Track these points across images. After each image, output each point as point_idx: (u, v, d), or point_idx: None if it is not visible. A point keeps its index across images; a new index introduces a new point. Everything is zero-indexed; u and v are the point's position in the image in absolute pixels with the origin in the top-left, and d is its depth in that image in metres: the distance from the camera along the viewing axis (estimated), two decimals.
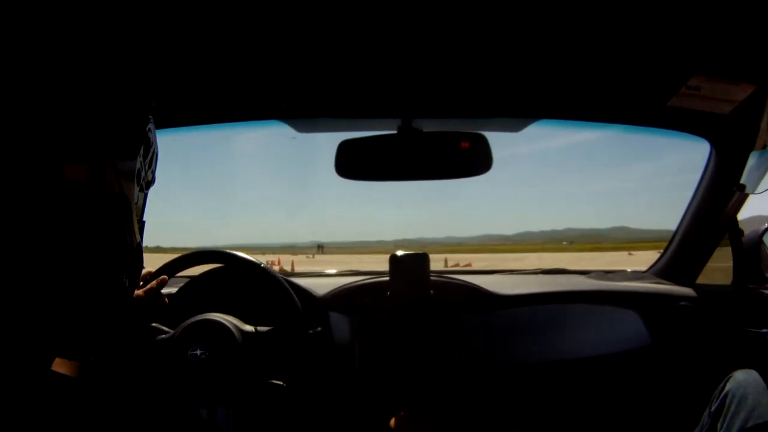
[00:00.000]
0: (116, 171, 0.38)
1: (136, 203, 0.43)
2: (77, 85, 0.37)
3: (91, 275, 0.37)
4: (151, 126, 0.45)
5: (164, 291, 0.99)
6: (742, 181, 0.84)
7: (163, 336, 0.92)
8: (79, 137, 0.36)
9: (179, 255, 0.99)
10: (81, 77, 0.37)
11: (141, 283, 0.90)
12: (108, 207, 0.38)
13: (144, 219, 0.46)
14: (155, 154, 0.46)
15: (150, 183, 0.47)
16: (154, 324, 0.93)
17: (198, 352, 0.90)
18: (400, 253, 1.13)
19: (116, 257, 0.39)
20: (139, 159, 0.43)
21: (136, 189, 0.42)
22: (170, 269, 0.96)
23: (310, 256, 39.68)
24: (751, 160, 0.82)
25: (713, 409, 0.93)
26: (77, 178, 0.35)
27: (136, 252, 0.42)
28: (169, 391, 0.91)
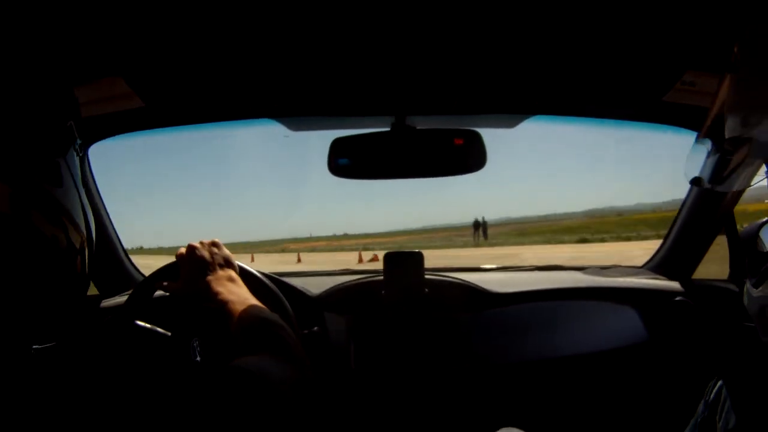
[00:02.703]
0: (40, 194, 0.38)
1: (75, 168, 0.44)
2: None
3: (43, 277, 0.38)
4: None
5: (157, 294, 0.99)
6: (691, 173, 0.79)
7: (162, 337, 0.91)
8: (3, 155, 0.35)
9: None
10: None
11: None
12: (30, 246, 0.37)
13: (89, 182, 0.47)
14: (78, 115, 0.47)
15: (84, 146, 0.47)
16: (150, 326, 0.92)
17: (197, 350, 0.90)
18: (394, 251, 1.13)
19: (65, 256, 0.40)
20: (75, 142, 0.43)
21: (74, 155, 0.43)
22: (161, 275, 0.95)
23: None
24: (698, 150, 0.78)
25: (710, 400, 0.92)
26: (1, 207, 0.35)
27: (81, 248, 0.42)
28: (175, 391, 0.90)
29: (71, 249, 0.41)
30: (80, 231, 0.42)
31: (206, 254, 0.81)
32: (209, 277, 0.78)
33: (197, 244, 0.83)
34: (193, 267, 0.80)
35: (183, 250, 0.84)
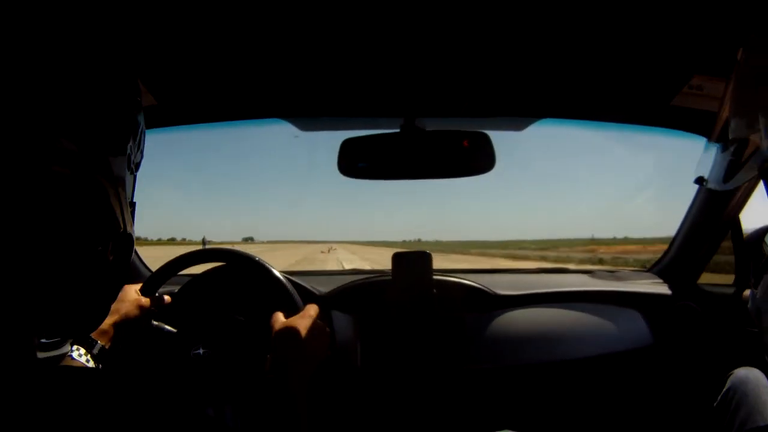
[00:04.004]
0: (103, 164, 0.39)
1: (128, 186, 0.44)
2: (64, 78, 0.37)
3: (78, 260, 0.38)
4: (140, 110, 0.46)
5: (166, 289, 0.99)
6: (701, 174, 0.80)
7: (167, 334, 0.92)
8: (67, 128, 0.36)
9: (184, 252, 0.99)
10: (68, 70, 0.38)
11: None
12: (92, 196, 0.38)
13: (134, 200, 0.48)
14: (143, 134, 0.47)
15: (138, 164, 0.48)
16: (157, 322, 0.93)
17: (201, 350, 0.91)
18: (402, 251, 1.13)
19: (102, 242, 0.40)
20: (129, 144, 0.44)
21: (127, 173, 0.44)
22: (171, 269, 0.96)
23: None
24: (709, 152, 0.79)
25: (715, 406, 0.93)
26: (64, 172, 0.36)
27: (124, 236, 0.43)
28: (174, 389, 0.91)
29: (111, 250, 0.42)
30: (122, 239, 0.43)
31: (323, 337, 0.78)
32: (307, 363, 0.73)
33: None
34: (319, 352, 0.75)
35: (313, 312, 0.80)
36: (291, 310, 0.83)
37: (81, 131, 0.37)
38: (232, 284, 1.03)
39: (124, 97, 0.43)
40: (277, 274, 0.96)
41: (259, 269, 0.96)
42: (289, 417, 0.65)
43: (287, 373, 0.69)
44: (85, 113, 0.38)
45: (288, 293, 0.93)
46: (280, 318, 0.78)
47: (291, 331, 0.74)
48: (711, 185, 0.79)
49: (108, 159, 0.40)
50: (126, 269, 0.44)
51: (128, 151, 0.44)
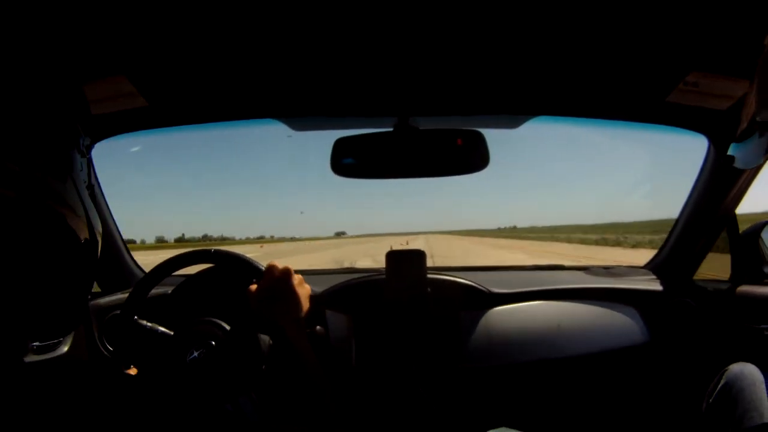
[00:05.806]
0: (50, 180, 0.38)
1: (81, 170, 0.44)
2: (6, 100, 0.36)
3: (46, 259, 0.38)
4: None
5: (159, 291, 0.99)
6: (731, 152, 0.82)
7: (162, 335, 0.91)
8: (8, 151, 0.35)
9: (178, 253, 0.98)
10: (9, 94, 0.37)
11: None
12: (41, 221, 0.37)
13: (93, 182, 0.46)
14: (87, 113, 0.47)
15: (90, 147, 0.47)
16: (151, 324, 0.92)
17: (196, 353, 0.90)
18: (396, 250, 1.13)
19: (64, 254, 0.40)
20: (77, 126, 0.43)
21: (78, 157, 0.43)
22: (163, 270, 0.95)
23: None
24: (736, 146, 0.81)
25: (710, 402, 0.93)
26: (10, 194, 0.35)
27: (85, 243, 0.42)
28: (174, 391, 0.91)
29: (76, 242, 0.41)
30: (84, 226, 0.42)
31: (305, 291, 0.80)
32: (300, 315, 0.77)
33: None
34: (300, 295, 0.77)
35: (277, 263, 0.81)
36: (257, 278, 0.83)
37: (21, 154, 0.36)
38: (226, 285, 1.03)
39: (63, 123, 0.42)
40: (230, 250, 0.95)
41: (215, 256, 0.94)
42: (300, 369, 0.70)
43: (281, 326, 0.72)
44: (25, 137, 0.37)
45: (245, 262, 0.92)
46: (251, 289, 0.80)
47: (263, 292, 0.76)
48: (738, 164, 0.81)
49: (55, 155, 0.39)
50: (94, 260, 0.44)
51: (81, 141, 0.43)
